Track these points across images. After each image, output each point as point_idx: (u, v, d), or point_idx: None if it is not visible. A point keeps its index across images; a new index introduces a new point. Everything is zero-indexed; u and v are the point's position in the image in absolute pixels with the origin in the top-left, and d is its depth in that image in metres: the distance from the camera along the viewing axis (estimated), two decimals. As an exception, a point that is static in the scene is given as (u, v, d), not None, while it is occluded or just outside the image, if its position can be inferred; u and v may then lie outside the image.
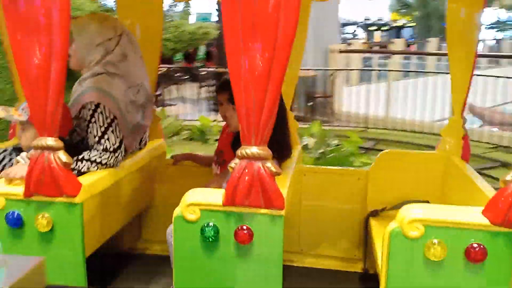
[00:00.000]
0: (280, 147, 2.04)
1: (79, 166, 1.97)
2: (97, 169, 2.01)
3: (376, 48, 17.00)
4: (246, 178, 1.63)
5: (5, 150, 2.25)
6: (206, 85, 10.35)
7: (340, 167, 2.98)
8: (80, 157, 1.99)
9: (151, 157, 2.53)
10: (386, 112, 8.14)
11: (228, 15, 1.54)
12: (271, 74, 1.55)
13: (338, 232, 2.61)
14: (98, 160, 2.00)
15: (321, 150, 5.27)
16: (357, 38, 22.40)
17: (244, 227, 1.68)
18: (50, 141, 1.75)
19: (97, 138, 2.03)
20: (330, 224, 2.61)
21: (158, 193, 2.66)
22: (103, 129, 2.05)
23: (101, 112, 2.05)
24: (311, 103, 8.88)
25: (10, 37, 1.69)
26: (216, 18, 11.14)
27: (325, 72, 8.80)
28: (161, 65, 9.50)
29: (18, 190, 1.83)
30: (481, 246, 1.54)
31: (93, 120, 2.05)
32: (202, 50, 13.75)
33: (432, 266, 1.58)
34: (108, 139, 2.04)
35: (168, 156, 2.81)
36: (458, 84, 2.35)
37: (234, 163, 1.65)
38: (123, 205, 2.30)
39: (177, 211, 1.73)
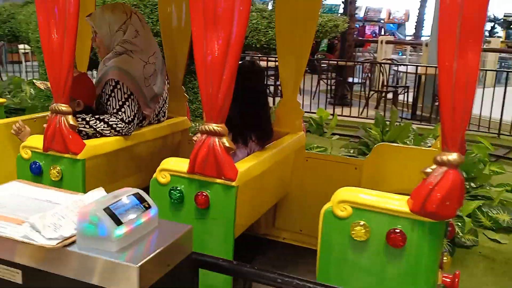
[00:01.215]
0: (259, 130, 2.26)
1: (95, 123, 2.34)
2: (109, 133, 2.37)
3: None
4: (204, 150, 1.88)
5: None
6: (325, 78, 10.27)
7: (339, 155, 3.09)
8: (101, 117, 2.37)
9: (291, 150, 2.69)
10: (523, 118, 7.35)
11: (194, 9, 1.78)
12: (226, 62, 1.77)
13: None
14: (114, 126, 2.37)
15: None
16: (496, 36, 20.73)
17: (204, 193, 1.94)
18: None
19: (115, 110, 2.40)
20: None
21: (294, 183, 2.81)
22: (120, 103, 2.42)
23: (120, 89, 2.42)
24: (437, 104, 8.57)
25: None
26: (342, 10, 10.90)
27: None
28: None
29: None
30: (401, 232, 1.64)
31: (113, 94, 2.43)
32: (323, 42, 13.67)
33: (357, 245, 1.71)
34: (124, 112, 2.40)
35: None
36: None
37: (196, 137, 1.91)
38: (269, 191, 2.52)
39: (155, 175, 2.03)
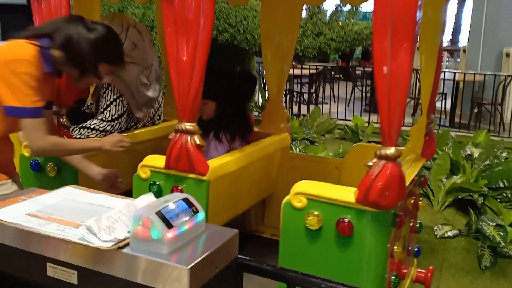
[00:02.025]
0: (238, 127, 2.46)
1: (80, 133, 2.55)
2: (96, 136, 2.58)
3: None
4: (178, 147, 2.06)
5: None
6: (360, 85, 10.14)
7: (320, 156, 3.22)
8: (83, 125, 2.58)
9: (276, 149, 2.79)
10: None
11: (166, 18, 1.97)
12: (195, 64, 1.95)
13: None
14: (97, 127, 2.58)
15: (487, 162, 4.93)
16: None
17: (179, 187, 2.12)
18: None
19: (102, 109, 2.62)
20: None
21: (280, 182, 2.85)
22: (108, 102, 2.63)
23: (111, 90, 2.64)
24: (476, 110, 8.29)
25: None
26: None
27: (496, 77, 7.86)
28: (316, 64, 9.66)
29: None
30: (349, 221, 1.78)
31: (104, 95, 2.65)
32: (358, 49, 13.64)
33: (311, 234, 1.86)
34: (109, 110, 2.61)
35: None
36: (425, 86, 2.49)
37: (171, 135, 2.10)
38: (250, 188, 2.58)
39: (138, 171, 2.22)
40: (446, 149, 5.32)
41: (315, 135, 6.28)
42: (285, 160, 2.94)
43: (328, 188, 1.88)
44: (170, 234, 1.22)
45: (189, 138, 2.04)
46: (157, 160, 2.18)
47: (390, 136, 1.67)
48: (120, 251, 1.23)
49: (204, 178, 2.07)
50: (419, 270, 2.58)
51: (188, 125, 2.03)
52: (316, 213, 1.84)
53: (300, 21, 2.97)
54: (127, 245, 1.25)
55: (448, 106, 8.73)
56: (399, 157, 1.70)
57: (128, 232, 1.27)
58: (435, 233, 3.86)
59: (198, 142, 2.04)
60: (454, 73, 8.66)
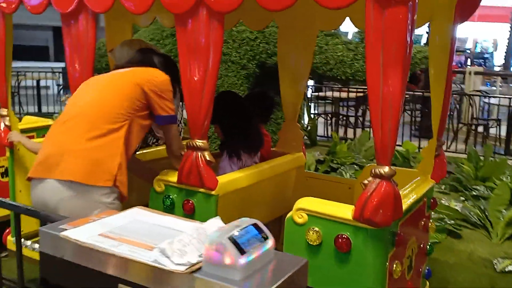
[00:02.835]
0: (244, 145, 2.60)
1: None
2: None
3: None
4: (189, 162, 2.18)
5: None
6: (409, 109, 9.86)
7: (335, 175, 3.26)
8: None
9: (290, 168, 2.85)
10: None
11: (180, 43, 2.12)
12: (205, 85, 2.09)
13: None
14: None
15: None
16: None
17: (190, 201, 2.23)
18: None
19: None
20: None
21: (295, 201, 2.87)
22: None
23: None
24: None
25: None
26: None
27: None
28: (363, 87, 9.67)
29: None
30: (347, 238, 1.84)
31: None
32: None
33: (312, 249, 1.92)
34: None
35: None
36: (435, 108, 2.53)
37: (184, 151, 2.22)
38: (262, 205, 2.62)
39: (153, 185, 2.35)
40: (504, 178, 5.11)
41: (364, 160, 6.11)
42: (300, 179, 3.01)
43: (328, 205, 1.94)
44: (243, 260, 1.20)
45: (199, 154, 2.15)
46: (171, 175, 2.30)
47: (384, 155, 1.73)
48: (193, 275, 1.23)
49: (213, 193, 2.17)
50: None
51: (199, 142, 2.15)
52: (316, 229, 1.91)
53: (315, 45, 3.08)
54: (199, 269, 1.24)
55: (503, 132, 8.33)
56: (393, 175, 1.75)
57: (199, 256, 1.27)
58: (495, 267, 3.67)
59: (208, 158, 2.16)
60: (510, 98, 8.24)
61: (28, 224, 2.67)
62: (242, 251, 1.21)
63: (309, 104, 8.98)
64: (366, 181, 1.79)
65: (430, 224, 2.54)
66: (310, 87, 10.03)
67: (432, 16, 2.49)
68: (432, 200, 2.55)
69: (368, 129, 8.19)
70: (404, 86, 1.68)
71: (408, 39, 1.64)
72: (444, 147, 8.27)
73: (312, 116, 9.16)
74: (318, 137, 8.53)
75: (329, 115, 9.29)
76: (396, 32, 1.62)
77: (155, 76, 2.25)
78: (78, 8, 2.35)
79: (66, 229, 1.46)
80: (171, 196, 2.28)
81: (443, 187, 5.49)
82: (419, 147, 7.07)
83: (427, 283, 2.62)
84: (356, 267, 1.85)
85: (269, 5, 1.84)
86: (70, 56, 2.48)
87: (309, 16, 2.85)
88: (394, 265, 1.95)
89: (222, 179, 2.24)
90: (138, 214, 1.61)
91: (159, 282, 1.26)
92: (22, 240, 3.01)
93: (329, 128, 9.18)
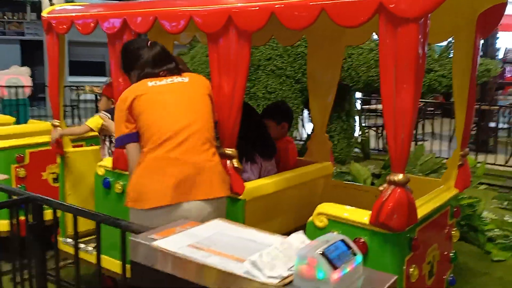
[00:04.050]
0: (261, 148, 2.73)
1: None
2: None
3: None
4: (219, 169, 2.36)
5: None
6: None
7: (361, 184, 3.34)
8: None
9: (318, 176, 2.95)
10: None
11: (212, 59, 2.31)
12: (233, 97, 2.27)
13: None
14: None
15: None
16: None
17: (220, 206, 2.40)
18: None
19: None
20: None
21: None
22: None
23: None
24: None
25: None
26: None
27: None
28: None
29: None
30: (364, 242, 1.95)
31: None
32: None
33: (331, 252, 2.04)
34: None
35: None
36: (459, 120, 2.61)
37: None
38: (290, 212, 2.74)
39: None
40: None
41: (420, 174, 5.80)
42: (327, 187, 3.12)
43: (347, 210, 2.06)
44: (335, 275, 1.20)
45: (228, 161, 2.33)
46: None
47: (398, 164, 1.84)
48: None
49: (240, 197, 2.34)
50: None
51: (228, 150, 2.33)
52: (335, 233, 2.02)
53: (342, 60, 3.20)
54: (290, 282, 1.25)
55: None
56: (407, 182, 1.86)
57: (288, 269, 1.28)
58: None
59: (236, 165, 2.33)
60: None
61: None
62: (334, 266, 1.20)
63: (360, 117, 8.85)
64: (381, 188, 1.90)
65: (453, 232, 2.60)
66: (359, 99, 9.95)
67: (455, 31, 2.57)
68: (455, 209, 2.61)
69: (421, 142, 7.95)
70: (416, 99, 1.79)
71: (420, 54, 1.76)
72: (501, 161, 7.64)
73: (363, 129, 8.93)
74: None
75: (380, 128, 9.04)
76: (407, 48, 1.74)
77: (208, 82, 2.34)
78: (122, 29, 2.59)
79: (155, 239, 1.49)
80: (203, 201, 2.46)
81: (505, 203, 5.30)
82: (480, 162, 6.59)
83: (451, 291, 2.67)
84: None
85: (291, 25, 2.01)
86: (115, 72, 2.73)
87: (336, 32, 2.98)
88: (411, 269, 2.04)
89: (249, 185, 2.40)
90: (220, 226, 1.63)
91: None
92: (69, 240, 3.28)
93: (380, 141, 9.09)
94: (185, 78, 2.27)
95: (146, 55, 2.25)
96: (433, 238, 2.35)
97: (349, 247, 1.31)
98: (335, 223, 2.04)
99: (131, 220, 2.10)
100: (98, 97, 3.51)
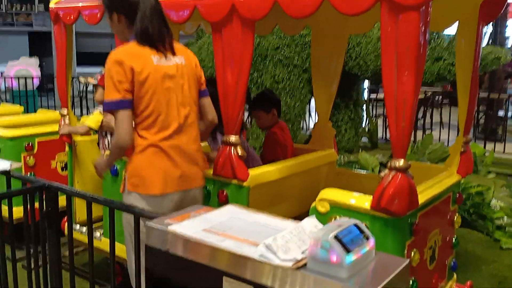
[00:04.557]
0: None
1: None
2: None
3: None
4: (223, 156, 2.40)
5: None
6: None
7: (365, 172, 3.37)
8: None
9: (321, 164, 2.98)
10: None
11: (216, 52, 2.34)
12: (238, 87, 2.30)
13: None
14: None
15: None
16: None
17: (224, 192, 2.45)
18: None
19: None
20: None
21: None
22: None
23: None
24: None
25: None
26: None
27: None
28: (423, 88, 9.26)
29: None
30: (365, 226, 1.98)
31: None
32: None
33: (333, 236, 2.08)
34: None
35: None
36: (461, 108, 2.62)
37: (219, 146, 2.44)
38: (290, 199, 2.77)
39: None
40: None
41: (429, 163, 5.75)
42: (331, 174, 3.16)
43: (349, 196, 2.10)
44: (349, 258, 1.21)
45: (232, 149, 2.37)
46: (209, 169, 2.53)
47: (399, 150, 1.87)
48: (298, 271, 1.25)
49: (244, 184, 2.38)
50: (458, 284, 2.66)
51: (232, 138, 2.36)
52: (337, 217, 2.06)
53: (346, 48, 3.22)
54: (304, 265, 1.26)
55: None
56: (408, 168, 1.89)
57: (302, 253, 1.29)
58: None
59: (240, 153, 2.37)
60: None
61: (83, 211, 2.96)
62: (347, 250, 1.23)
63: (368, 106, 8.80)
64: (382, 174, 1.94)
65: (455, 218, 2.63)
66: (366, 88, 9.91)
67: (458, 18, 2.58)
68: (457, 195, 2.63)
69: (429, 131, 7.92)
70: (417, 87, 1.81)
71: (421, 42, 1.78)
72: (511, 149, 7.38)
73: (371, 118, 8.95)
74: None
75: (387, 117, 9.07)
76: (408, 36, 1.76)
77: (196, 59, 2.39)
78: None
79: (171, 224, 1.52)
80: (207, 187, 2.50)
81: None
82: (490, 150, 6.69)
83: (454, 275, 2.70)
84: (374, 254, 1.99)
85: (294, 13, 2.03)
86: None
87: (340, 20, 3.00)
88: (412, 253, 2.08)
89: (253, 171, 2.44)
90: (234, 212, 1.66)
91: (265, 276, 1.28)
92: (78, 226, 3.35)
93: (387, 130, 9.01)
94: (182, 58, 2.25)
95: (147, 2, 2.14)
96: (435, 223, 2.38)
97: (361, 231, 1.34)
98: (337, 208, 2.08)
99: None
100: (94, 89, 3.49)
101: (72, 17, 2.95)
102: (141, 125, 2.16)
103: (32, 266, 2.32)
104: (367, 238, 1.33)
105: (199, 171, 2.31)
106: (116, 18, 2.23)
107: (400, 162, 1.88)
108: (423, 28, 1.78)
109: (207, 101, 2.39)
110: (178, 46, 2.30)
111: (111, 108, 2.11)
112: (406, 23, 1.76)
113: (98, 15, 2.75)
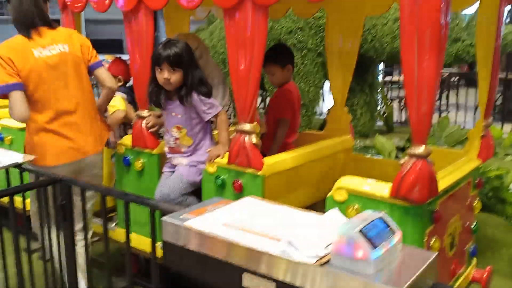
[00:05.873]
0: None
1: None
2: None
3: None
4: (237, 145, 2.35)
5: None
6: None
7: (381, 157, 3.30)
8: None
9: (338, 150, 2.94)
10: None
11: (229, 36, 2.28)
12: (251, 73, 2.24)
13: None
14: None
15: None
16: None
17: (238, 181, 2.41)
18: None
19: None
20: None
21: None
22: None
23: None
24: None
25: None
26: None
27: None
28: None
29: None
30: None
31: None
32: None
33: (352, 225, 2.04)
34: None
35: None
36: (482, 91, 2.54)
37: (234, 135, 2.40)
38: (306, 187, 2.72)
39: (206, 167, 2.55)
40: None
41: (445, 146, 5.73)
42: (348, 161, 3.10)
43: (367, 184, 2.04)
44: (375, 254, 1.17)
45: (247, 137, 2.32)
46: (224, 158, 2.49)
47: (419, 136, 1.81)
48: (322, 267, 1.21)
49: (259, 173, 2.33)
50: (478, 269, 2.61)
51: (246, 126, 2.31)
52: (356, 206, 2.02)
53: (362, 31, 3.13)
54: (327, 261, 1.22)
55: None
56: (428, 155, 1.83)
57: (325, 248, 1.25)
58: None
59: (254, 141, 2.32)
60: None
61: (96, 202, 2.95)
62: (373, 245, 1.18)
63: (383, 89, 8.61)
64: (402, 161, 1.88)
65: (475, 203, 2.57)
66: (381, 71, 9.73)
67: (479, -3, 2.48)
68: (477, 180, 2.56)
69: (445, 113, 7.76)
70: (439, 69, 1.74)
71: (443, 23, 1.70)
72: None
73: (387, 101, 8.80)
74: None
75: (403, 100, 8.85)
76: (429, 16, 1.68)
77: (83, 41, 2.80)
78: (138, 6, 2.57)
79: (188, 219, 1.49)
80: (221, 177, 2.47)
81: None
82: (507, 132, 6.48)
83: (473, 261, 2.65)
84: (393, 242, 1.94)
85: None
86: (132, 49, 2.73)
87: (356, 2, 2.91)
88: (432, 241, 2.03)
89: (268, 160, 2.40)
90: (253, 204, 1.61)
91: (287, 272, 1.25)
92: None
93: (403, 113, 8.90)
94: (65, 46, 2.63)
95: None
96: (454, 209, 2.32)
97: (387, 225, 1.29)
98: (355, 196, 2.03)
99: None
100: None
101: (80, 5, 2.90)
102: (32, 109, 2.53)
103: (47, 257, 2.33)
104: (393, 232, 1.28)
105: (93, 141, 2.73)
106: None
107: (421, 149, 1.82)
108: (445, 8, 1.70)
109: (100, 71, 2.76)
110: (61, 31, 2.67)
111: (5, 90, 2.45)
112: (427, 2, 1.68)
113: (107, 2, 2.69)
